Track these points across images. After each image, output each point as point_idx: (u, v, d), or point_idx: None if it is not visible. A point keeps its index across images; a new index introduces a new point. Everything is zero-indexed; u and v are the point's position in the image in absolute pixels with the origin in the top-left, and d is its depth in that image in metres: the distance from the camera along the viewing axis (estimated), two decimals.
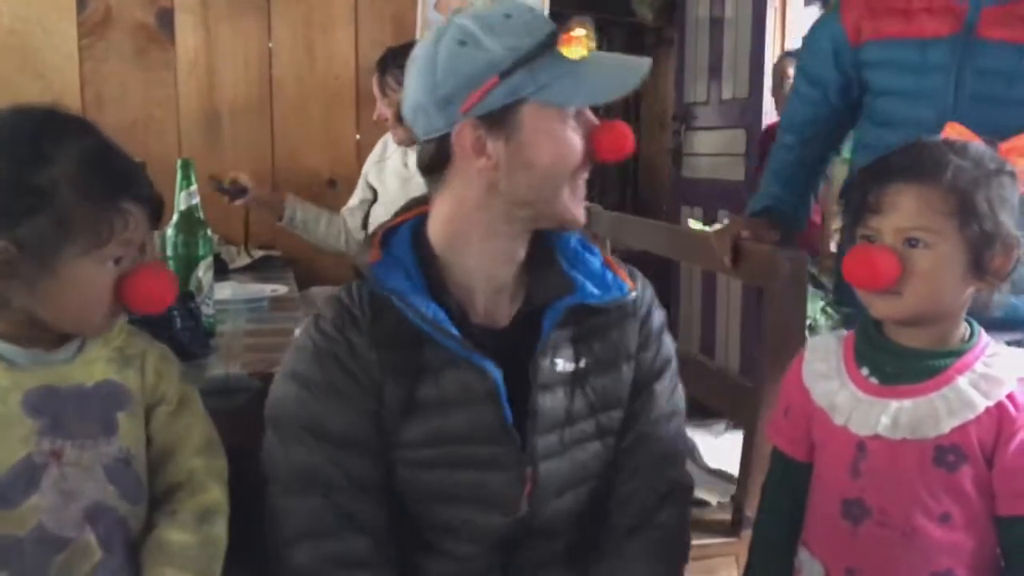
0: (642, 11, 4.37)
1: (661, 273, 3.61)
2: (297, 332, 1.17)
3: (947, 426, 0.96)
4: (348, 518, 1.07)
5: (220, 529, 1.09)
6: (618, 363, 1.16)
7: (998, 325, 1.08)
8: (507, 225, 1.10)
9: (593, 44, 1.06)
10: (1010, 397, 0.96)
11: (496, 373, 1.07)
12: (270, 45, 3.10)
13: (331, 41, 3.19)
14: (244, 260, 2.79)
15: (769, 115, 3.67)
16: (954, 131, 1.04)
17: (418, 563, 1.14)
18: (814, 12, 4.13)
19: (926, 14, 1.49)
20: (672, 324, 4.44)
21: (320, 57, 3.16)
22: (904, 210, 0.96)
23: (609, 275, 1.16)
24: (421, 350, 1.07)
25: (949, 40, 1.47)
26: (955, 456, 0.96)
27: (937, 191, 0.95)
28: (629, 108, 4.57)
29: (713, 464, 2.17)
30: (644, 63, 1.10)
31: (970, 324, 1.03)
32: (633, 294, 1.17)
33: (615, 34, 4.49)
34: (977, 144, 1.00)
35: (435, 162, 1.09)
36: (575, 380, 1.13)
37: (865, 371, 1.03)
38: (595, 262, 1.17)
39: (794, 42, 3.67)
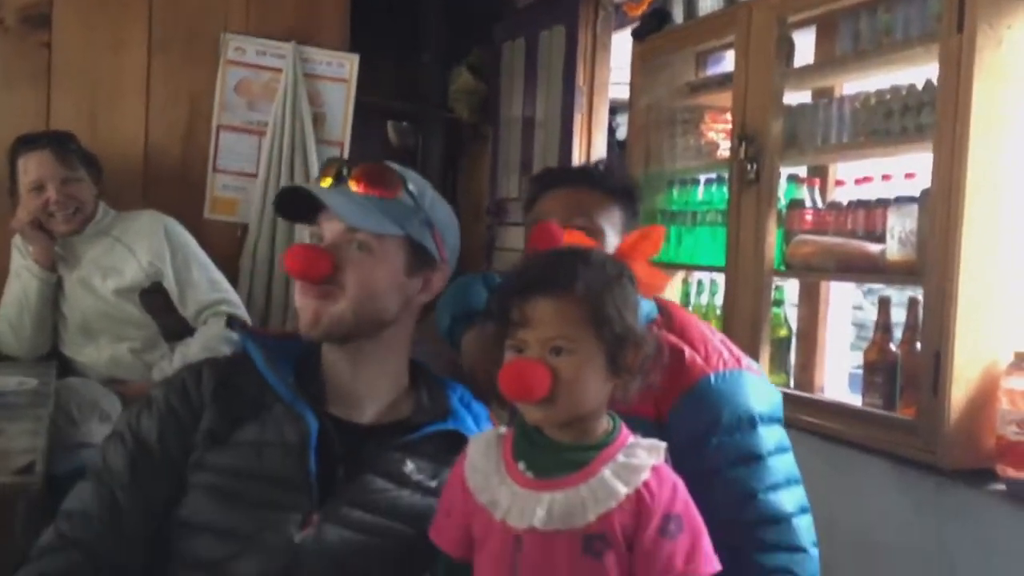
0: (459, 108, 4.46)
1: None
2: None
3: (593, 514, 1.01)
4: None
5: None
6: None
7: None
8: None
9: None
10: (646, 484, 1.03)
11: (313, 424, 1.16)
12: (48, 121, 2.92)
13: (118, 115, 3.04)
14: None
15: None
16: (573, 238, 1.16)
17: None
18: (620, 118, 4.31)
19: None
20: None
21: (104, 131, 2.99)
22: (546, 322, 1.03)
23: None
24: (261, 393, 1.20)
25: None
26: (601, 543, 1.01)
27: (572, 302, 1.04)
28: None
29: None
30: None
31: (612, 418, 1.10)
32: None
33: (434, 128, 4.53)
34: (597, 250, 1.11)
35: None
36: (405, 484, 1.20)
37: (522, 466, 1.06)
38: (481, 412, 1.32)
39: (599, 144, 3.80)
